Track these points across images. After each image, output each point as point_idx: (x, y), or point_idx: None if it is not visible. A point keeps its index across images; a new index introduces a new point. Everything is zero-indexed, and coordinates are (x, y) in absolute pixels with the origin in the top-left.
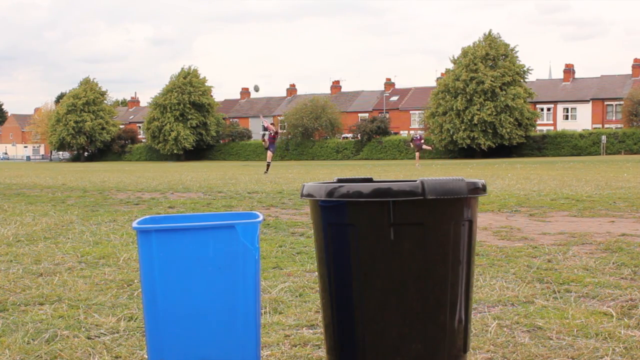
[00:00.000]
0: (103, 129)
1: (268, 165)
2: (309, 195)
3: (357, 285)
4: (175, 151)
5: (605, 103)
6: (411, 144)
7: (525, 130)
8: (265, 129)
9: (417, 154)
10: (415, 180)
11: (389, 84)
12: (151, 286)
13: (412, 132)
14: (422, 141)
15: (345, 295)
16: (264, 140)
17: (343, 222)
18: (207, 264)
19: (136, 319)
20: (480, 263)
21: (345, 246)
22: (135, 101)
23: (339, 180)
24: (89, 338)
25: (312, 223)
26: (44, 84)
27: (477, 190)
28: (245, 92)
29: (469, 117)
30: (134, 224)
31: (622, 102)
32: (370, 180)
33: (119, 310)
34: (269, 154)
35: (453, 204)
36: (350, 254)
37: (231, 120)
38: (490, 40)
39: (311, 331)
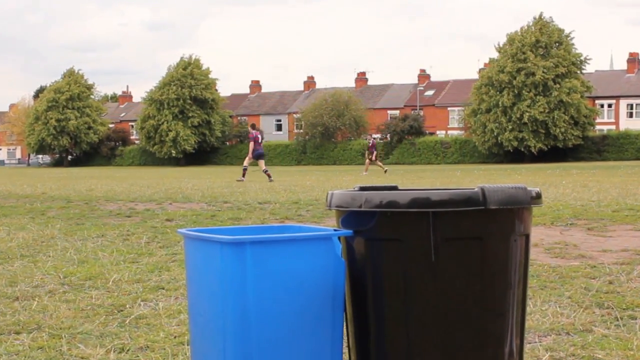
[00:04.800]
0: (89, 128)
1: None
2: (339, 206)
3: (392, 310)
4: (173, 154)
5: None
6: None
7: (582, 130)
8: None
9: (373, 162)
10: (474, 188)
11: (423, 75)
12: (241, 311)
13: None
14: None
15: (378, 323)
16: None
17: (384, 237)
18: (304, 280)
19: (128, 350)
20: (530, 285)
21: (383, 265)
22: (127, 96)
23: (361, 188)
24: None
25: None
26: (21, 76)
27: (534, 199)
28: (255, 85)
29: (517, 115)
30: (223, 237)
31: None
32: (395, 188)
33: (108, 340)
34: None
35: (513, 216)
36: (389, 274)
37: (239, 118)
38: (542, 24)
39: None
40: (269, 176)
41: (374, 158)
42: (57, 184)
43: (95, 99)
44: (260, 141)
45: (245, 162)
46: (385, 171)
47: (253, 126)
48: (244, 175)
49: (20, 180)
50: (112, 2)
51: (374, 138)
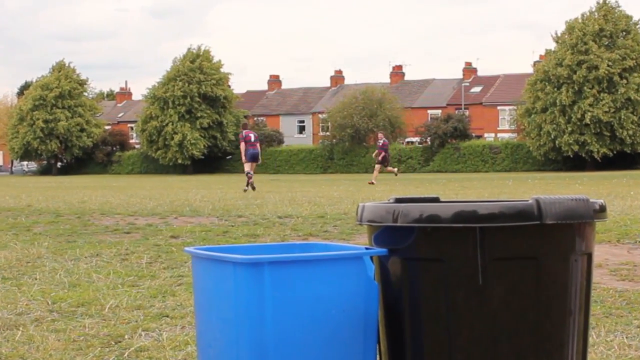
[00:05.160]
0: (82, 130)
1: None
2: (372, 221)
3: (432, 341)
4: (179, 161)
5: None
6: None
7: None
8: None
9: (377, 166)
10: (528, 200)
11: (469, 70)
12: (258, 342)
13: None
14: (385, 153)
15: (416, 355)
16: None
17: (424, 257)
18: (330, 306)
19: None
20: (594, 312)
21: (422, 288)
22: (126, 93)
23: (397, 200)
24: None
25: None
26: (2, 70)
27: (597, 213)
28: (274, 80)
29: (578, 115)
30: (237, 257)
31: None
32: (436, 200)
33: None
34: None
35: (573, 232)
36: (429, 299)
37: (256, 118)
38: (606, 10)
39: None
40: (248, 180)
41: (387, 164)
42: (44, 194)
43: (89, 97)
44: (253, 141)
45: (246, 167)
46: (372, 183)
47: (244, 126)
48: (248, 184)
49: (2, 191)
50: None
51: (384, 139)
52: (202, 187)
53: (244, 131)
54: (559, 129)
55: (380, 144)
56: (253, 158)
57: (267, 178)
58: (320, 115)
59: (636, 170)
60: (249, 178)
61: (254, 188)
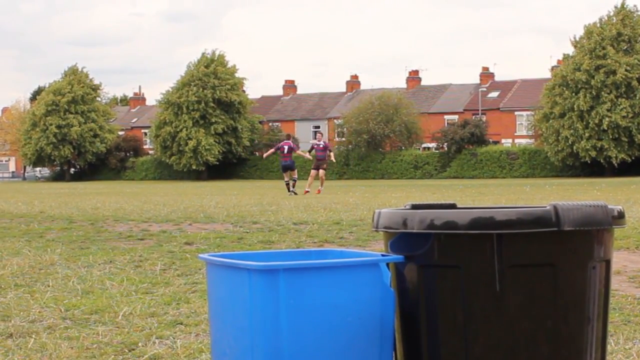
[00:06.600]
0: (95, 136)
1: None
2: (388, 227)
3: (449, 349)
4: (194, 167)
5: None
6: (309, 155)
7: None
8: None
9: (321, 171)
10: (545, 206)
11: (486, 74)
12: (273, 349)
13: (316, 140)
14: (328, 151)
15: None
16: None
17: (440, 263)
18: (346, 314)
19: None
20: (612, 319)
21: (439, 295)
22: (139, 99)
23: (413, 207)
24: None
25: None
26: (15, 75)
27: (615, 219)
28: (289, 85)
29: (596, 121)
30: (252, 264)
31: None
32: (453, 206)
33: None
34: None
35: (591, 238)
36: (446, 306)
37: (271, 124)
38: (624, 15)
39: None
40: (288, 188)
41: (326, 167)
42: (57, 201)
43: (102, 102)
44: (286, 152)
45: (285, 177)
46: (319, 191)
47: (287, 136)
48: (289, 190)
49: (15, 197)
50: None
51: (322, 141)
52: (216, 194)
53: (282, 142)
54: (576, 134)
55: (322, 146)
56: (285, 169)
57: (282, 184)
58: (335, 121)
59: None
60: (287, 186)
61: (292, 192)
